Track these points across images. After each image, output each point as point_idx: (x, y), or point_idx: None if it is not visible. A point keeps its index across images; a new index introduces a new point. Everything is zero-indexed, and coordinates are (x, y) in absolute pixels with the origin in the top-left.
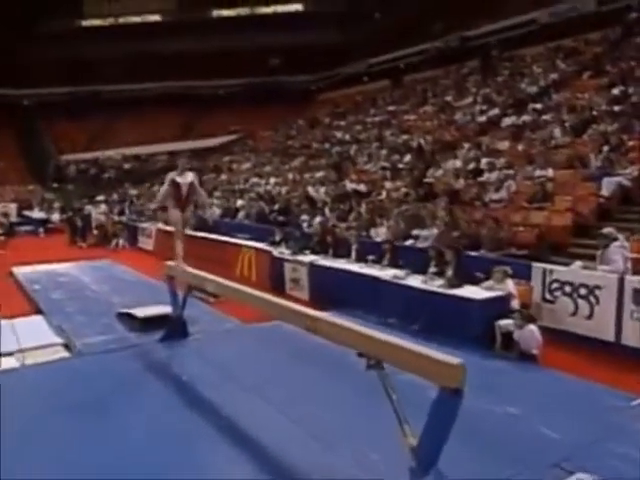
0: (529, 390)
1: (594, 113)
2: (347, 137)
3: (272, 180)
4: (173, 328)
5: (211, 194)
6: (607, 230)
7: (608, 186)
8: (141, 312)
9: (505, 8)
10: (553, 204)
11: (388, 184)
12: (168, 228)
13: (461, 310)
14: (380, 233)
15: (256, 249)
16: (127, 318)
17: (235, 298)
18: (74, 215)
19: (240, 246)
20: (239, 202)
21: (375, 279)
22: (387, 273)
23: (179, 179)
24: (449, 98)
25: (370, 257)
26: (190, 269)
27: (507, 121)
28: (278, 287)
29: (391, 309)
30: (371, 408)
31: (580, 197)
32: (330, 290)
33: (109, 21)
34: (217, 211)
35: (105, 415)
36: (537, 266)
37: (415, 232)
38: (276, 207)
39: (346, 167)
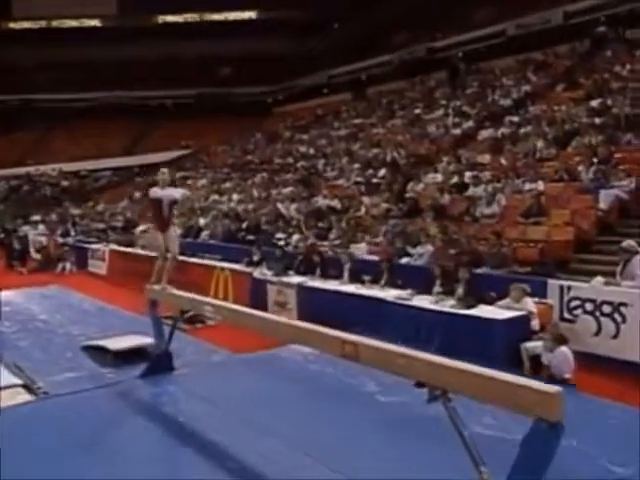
0: (576, 419)
1: (575, 125)
2: (312, 151)
3: (235, 197)
4: (156, 362)
5: None
6: (627, 243)
7: (606, 199)
8: (113, 344)
9: (471, 19)
10: (550, 218)
11: (366, 200)
12: (124, 249)
13: (481, 332)
14: (362, 249)
15: (233, 271)
16: (96, 352)
17: (245, 323)
18: (8, 237)
19: (213, 268)
20: (202, 221)
21: (378, 300)
22: (390, 294)
23: (160, 194)
24: (418, 111)
25: (366, 277)
26: (181, 292)
27: (484, 134)
28: (258, 308)
29: (398, 333)
30: (405, 447)
31: (578, 211)
32: (323, 314)
33: (41, 24)
34: (177, 230)
35: (91, 463)
36: (553, 283)
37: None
38: (244, 225)
39: (316, 182)
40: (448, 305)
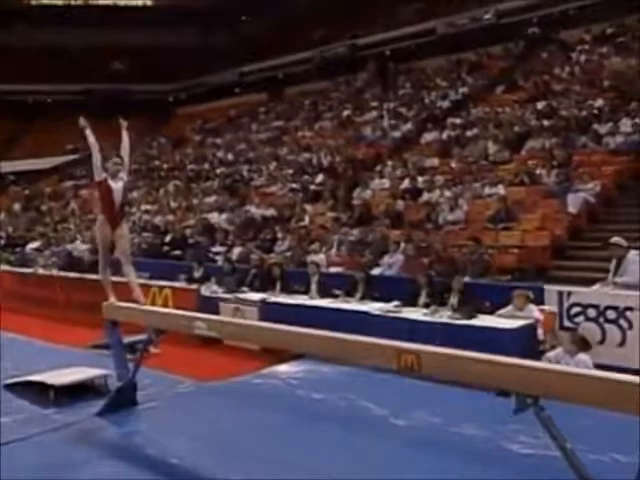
0: (614, 433)
1: (524, 128)
2: (231, 157)
3: (145, 207)
4: (118, 396)
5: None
6: (616, 239)
7: (574, 203)
8: (53, 379)
9: (397, 15)
10: (519, 223)
11: (308, 208)
12: (19, 270)
13: (490, 343)
14: (322, 261)
15: (175, 289)
16: (29, 389)
17: (256, 340)
18: None
19: (147, 287)
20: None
21: (363, 315)
22: (374, 307)
23: (112, 183)
24: (348, 112)
25: (336, 291)
26: (156, 308)
27: (428, 137)
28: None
29: None
30: (449, 473)
31: (548, 215)
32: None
33: None
34: (83, 246)
35: None
36: (551, 289)
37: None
38: (167, 239)
39: (244, 190)
40: (446, 316)
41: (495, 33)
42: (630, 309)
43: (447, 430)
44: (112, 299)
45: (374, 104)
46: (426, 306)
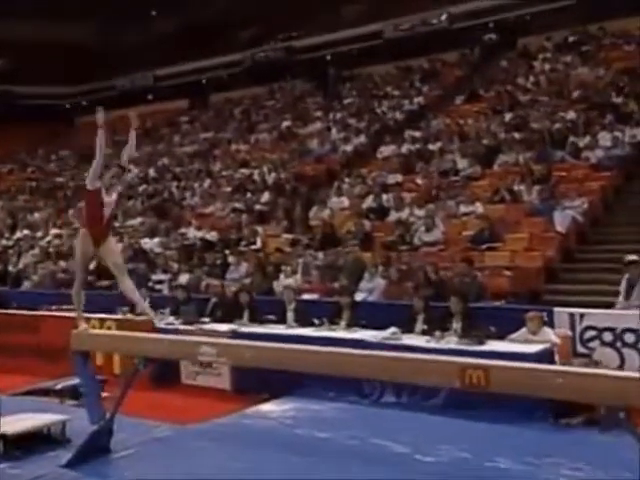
0: None
1: (493, 141)
2: (153, 173)
3: (55, 232)
4: (90, 443)
5: None
6: (632, 257)
7: (562, 221)
8: (7, 427)
9: (339, 16)
10: (505, 244)
11: (260, 229)
12: None
13: None
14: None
15: (119, 321)
16: None
17: (287, 363)
18: None
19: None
20: (21, 264)
21: (358, 343)
22: (368, 335)
23: (105, 196)
24: (287, 123)
25: (317, 320)
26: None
27: (385, 151)
28: (165, 376)
29: (385, 383)
30: None
31: (536, 235)
32: (271, 371)
33: None
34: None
35: None
36: (561, 311)
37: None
38: (91, 267)
39: (177, 211)
40: (453, 342)
41: (448, 38)
42: None
43: (481, 465)
44: (83, 326)
45: (318, 114)
46: (424, 332)
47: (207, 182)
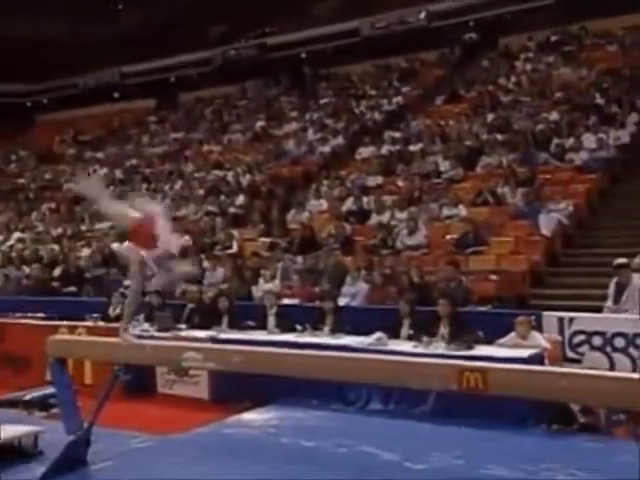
0: None
1: (476, 143)
2: (120, 174)
3: (17, 236)
4: (67, 455)
5: None
6: (622, 260)
7: (547, 225)
8: None
9: (313, 12)
10: (490, 247)
11: (235, 233)
12: None
13: None
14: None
15: (90, 329)
16: None
17: (279, 368)
18: None
19: (50, 328)
20: None
21: (343, 349)
22: (354, 340)
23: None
24: (262, 123)
25: (299, 325)
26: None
27: (364, 152)
28: (140, 386)
29: (371, 390)
30: None
31: (521, 239)
32: (252, 379)
33: None
34: None
35: None
36: (550, 315)
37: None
38: (57, 273)
39: None
40: (442, 347)
41: (427, 37)
42: None
43: (476, 472)
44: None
45: (293, 114)
46: (410, 338)
47: (179, 184)
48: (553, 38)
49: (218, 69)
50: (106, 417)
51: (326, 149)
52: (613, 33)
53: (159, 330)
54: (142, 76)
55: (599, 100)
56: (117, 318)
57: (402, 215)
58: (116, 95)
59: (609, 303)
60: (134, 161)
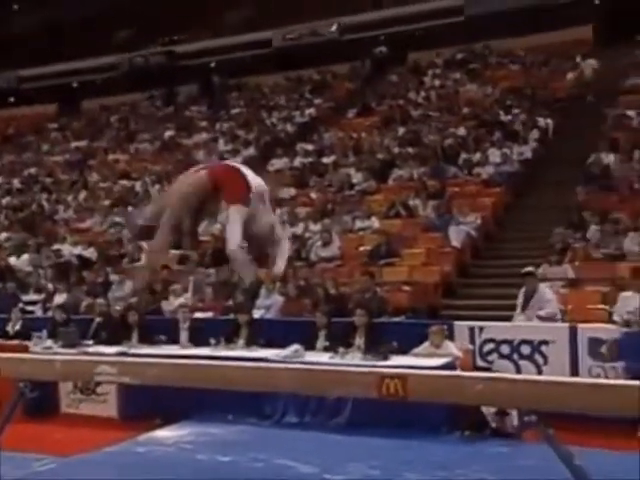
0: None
1: (386, 156)
2: (18, 184)
3: None
4: None
5: None
6: (529, 269)
7: (457, 237)
8: None
9: (225, 22)
10: (402, 259)
11: (145, 245)
12: None
13: None
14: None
15: None
16: None
17: (197, 379)
18: None
19: None
20: None
21: (261, 362)
22: (271, 353)
23: None
24: (171, 133)
25: (212, 339)
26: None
27: (277, 163)
28: (42, 406)
29: (287, 403)
30: None
31: (433, 251)
32: (163, 395)
33: None
34: None
35: None
36: (461, 324)
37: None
38: None
39: (49, 226)
40: (358, 358)
41: (339, 50)
42: (545, 343)
43: None
44: None
45: (203, 124)
46: (326, 349)
47: (83, 194)
48: (459, 56)
49: (124, 75)
50: (5, 440)
51: (237, 160)
52: (515, 53)
53: (64, 347)
54: (42, 80)
55: (503, 117)
56: (17, 335)
57: (316, 227)
58: (12, 100)
59: (518, 311)
60: (33, 170)
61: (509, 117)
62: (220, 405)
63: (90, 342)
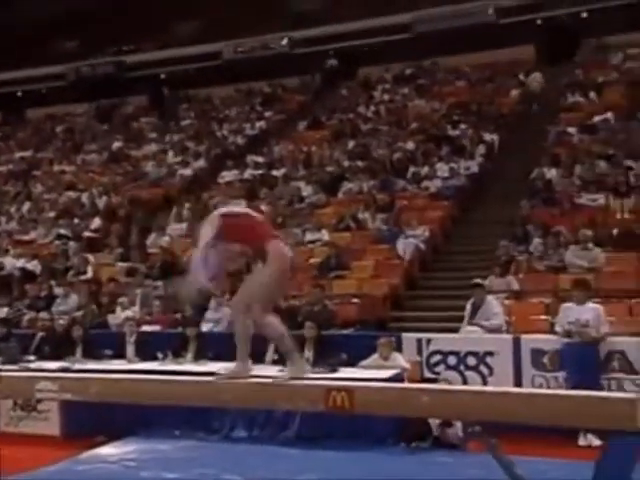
0: None
1: (336, 169)
2: None
3: None
4: None
5: None
6: (478, 280)
7: (406, 249)
8: None
9: (174, 33)
10: (351, 271)
11: (91, 258)
12: None
13: None
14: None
15: None
16: None
17: (142, 395)
18: None
19: None
20: None
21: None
22: (219, 367)
23: None
24: (119, 144)
25: (160, 353)
26: None
27: (227, 176)
28: None
29: (236, 417)
30: None
31: (381, 263)
32: (108, 411)
33: None
34: None
35: None
36: (409, 336)
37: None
38: None
39: None
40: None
41: (289, 63)
42: (490, 354)
43: None
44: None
45: (152, 135)
46: (275, 362)
47: (26, 205)
48: (408, 71)
49: (71, 85)
50: None
51: (187, 172)
52: (462, 70)
53: (4, 363)
54: None
55: (451, 131)
56: None
57: None
58: None
59: (465, 323)
60: None
61: (457, 132)
62: (167, 420)
63: (32, 357)
